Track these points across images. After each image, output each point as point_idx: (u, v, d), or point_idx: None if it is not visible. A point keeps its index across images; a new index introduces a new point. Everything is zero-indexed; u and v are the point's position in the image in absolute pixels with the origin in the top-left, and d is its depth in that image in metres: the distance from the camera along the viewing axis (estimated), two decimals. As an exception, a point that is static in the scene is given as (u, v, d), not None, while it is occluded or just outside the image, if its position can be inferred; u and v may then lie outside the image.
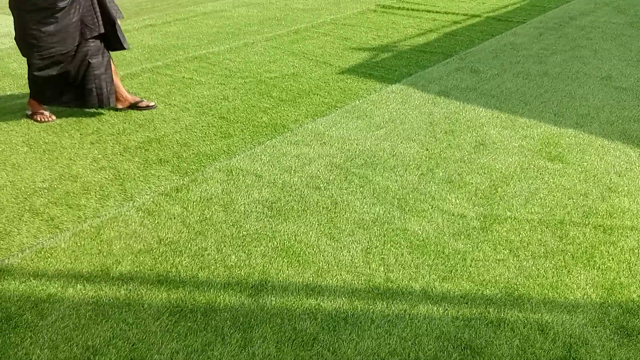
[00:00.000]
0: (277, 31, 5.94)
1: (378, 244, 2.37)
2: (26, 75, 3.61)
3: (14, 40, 3.54)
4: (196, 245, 2.38)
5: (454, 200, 2.68)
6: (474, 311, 2.01)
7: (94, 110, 3.78)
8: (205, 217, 2.57)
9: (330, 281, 2.16)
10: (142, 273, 2.21)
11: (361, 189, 2.79)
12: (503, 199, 2.68)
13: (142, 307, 2.04)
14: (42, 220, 2.57)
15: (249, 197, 2.73)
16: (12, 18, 3.39)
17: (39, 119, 3.60)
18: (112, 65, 3.63)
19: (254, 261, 2.28)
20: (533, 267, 2.23)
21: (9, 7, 3.30)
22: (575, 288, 2.12)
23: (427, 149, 3.19)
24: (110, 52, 3.63)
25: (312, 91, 4.14)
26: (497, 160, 3.05)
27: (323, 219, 2.55)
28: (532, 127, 3.47)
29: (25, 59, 3.45)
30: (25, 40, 3.33)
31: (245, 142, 3.32)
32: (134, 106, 3.78)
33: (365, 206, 2.64)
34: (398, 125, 3.50)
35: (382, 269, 2.22)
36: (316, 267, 2.24)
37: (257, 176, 2.92)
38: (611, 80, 4.26)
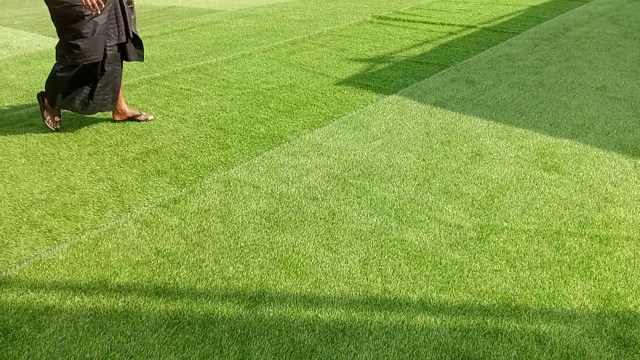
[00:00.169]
0: (274, 42, 5.97)
1: (375, 255, 2.38)
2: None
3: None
4: (194, 256, 2.38)
5: (450, 211, 2.69)
6: (472, 322, 2.02)
7: (92, 121, 3.80)
8: (203, 229, 2.58)
9: (328, 292, 2.16)
10: (140, 285, 2.21)
11: (358, 199, 2.80)
12: (499, 210, 2.70)
13: (140, 319, 2.04)
14: (39, 232, 2.57)
15: (246, 208, 2.73)
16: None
17: (49, 121, 3.61)
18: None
19: (252, 272, 2.28)
20: (530, 278, 2.24)
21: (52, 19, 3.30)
22: (572, 298, 2.13)
23: (424, 160, 3.20)
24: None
25: (309, 102, 4.16)
26: (494, 171, 3.07)
27: (320, 230, 2.55)
28: (528, 137, 3.49)
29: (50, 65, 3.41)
30: (68, 49, 3.32)
31: (242, 153, 3.33)
32: (133, 119, 3.80)
33: (363, 217, 2.65)
34: (395, 136, 3.52)
35: (380, 280, 2.23)
36: (314, 279, 2.24)
37: (254, 187, 2.93)
38: (606, 91, 4.29)
